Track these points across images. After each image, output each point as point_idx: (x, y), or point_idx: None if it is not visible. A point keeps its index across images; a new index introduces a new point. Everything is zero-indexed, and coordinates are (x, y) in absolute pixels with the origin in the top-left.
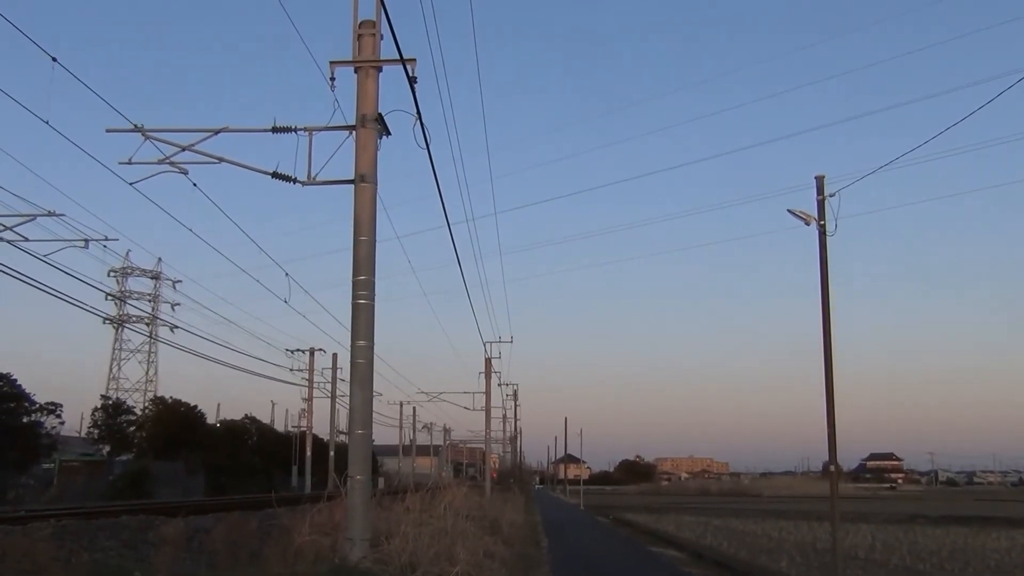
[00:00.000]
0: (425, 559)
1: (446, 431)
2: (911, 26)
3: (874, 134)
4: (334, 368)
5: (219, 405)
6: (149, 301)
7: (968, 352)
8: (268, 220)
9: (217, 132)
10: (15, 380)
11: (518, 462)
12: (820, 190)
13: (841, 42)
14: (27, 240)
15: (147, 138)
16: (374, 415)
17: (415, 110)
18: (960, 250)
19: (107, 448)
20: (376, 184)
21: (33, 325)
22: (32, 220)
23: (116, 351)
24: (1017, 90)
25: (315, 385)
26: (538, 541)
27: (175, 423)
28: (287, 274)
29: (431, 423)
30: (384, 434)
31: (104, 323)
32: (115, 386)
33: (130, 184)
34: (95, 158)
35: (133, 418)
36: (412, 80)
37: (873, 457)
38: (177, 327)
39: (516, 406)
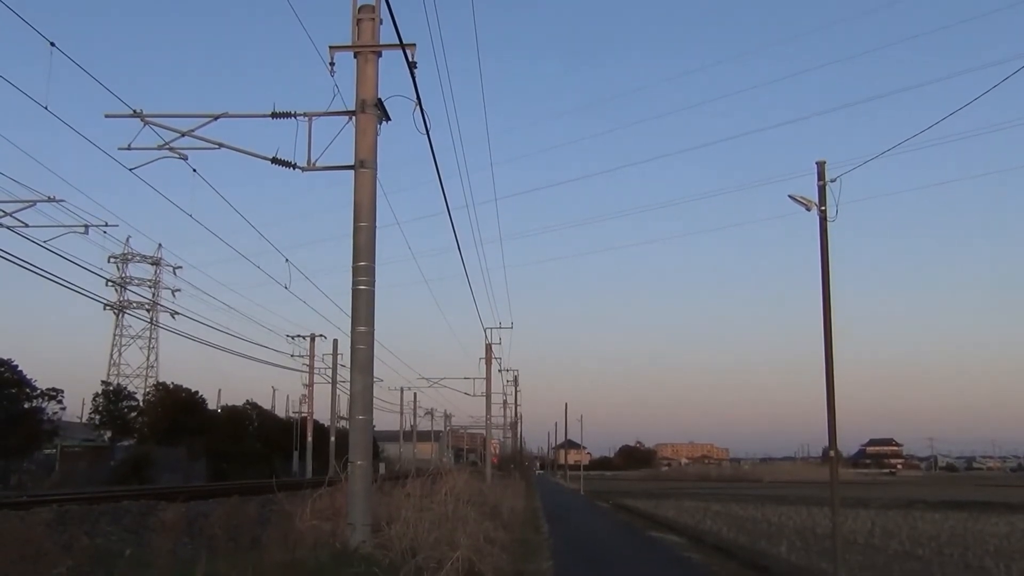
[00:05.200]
0: (426, 544)
1: (447, 417)
2: (915, 11)
3: (876, 120)
4: (335, 354)
5: (220, 391)
6: (149, 287)
7: (968, 338)
8: (268, 206)
9: (217, 118)
10: (16, 366)
11: (519, 448)
12: (821, 175)
13: (844, 27)
14: (27, 226)
15: (146, 124)
16: (375, 401)
17: (415, 95)
18: (960, 236)
19: (108, 434)
20: (376, 170)
21: (33, 311)
22: (32, 206)
23: (117, 337)
24: (1020, 76)
25: (316, 371)
26: (538, 526)
27: (176, 409)
28: (287, 260)
29: (432, 409)
30: (385, 420)
31: (105, 309)
32: (116, 372)
33: (130, 170)
34: (94, 143)
35: (134, 404)
36: (412, 65)
37: (873, 443)
38: (178, 313)
39: (516, 392)
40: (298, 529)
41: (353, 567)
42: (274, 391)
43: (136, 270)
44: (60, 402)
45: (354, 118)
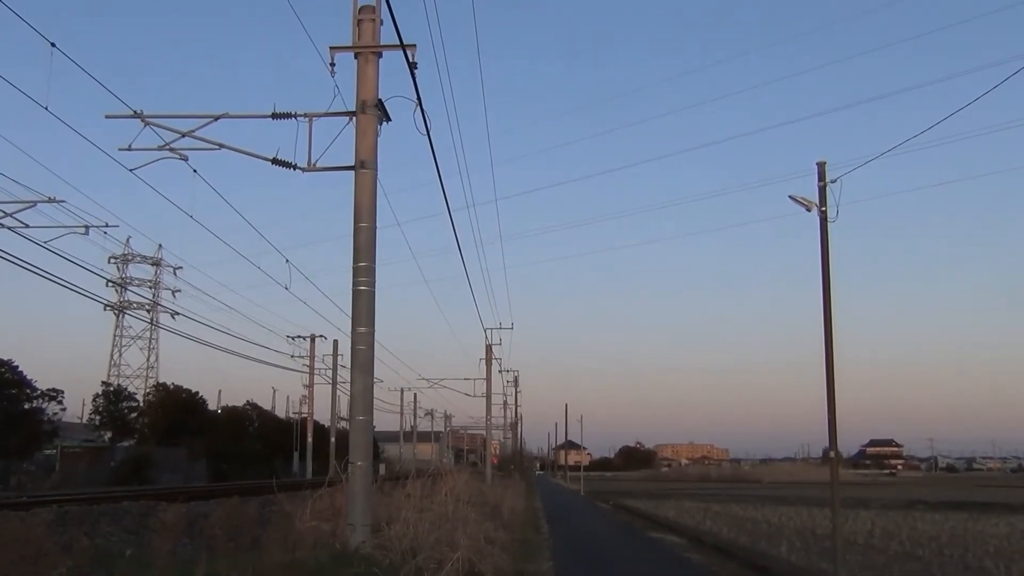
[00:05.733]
0: (426, 544)
1: (447, 417)
2: (915, 12)
3: (877, 120)
4: (335, 354)
5: (220, 391)
6: (150, 287)
7: (968, 338)
8: (268, 207)
9: (217, 118)
10: (16, 366)
11: (519, 448)
12: (821, 176)
13: (844, 27)
14: (27, 226)
15: (147, 124)
16: (375, 401)
17: (415, 96)
18: (960, 236)
19: (108, 434)
20: (376, 170)
21: (34, 311)
22: (32, 206)
23: (117, 337)
24: (1020, 76)
25: (316, 371)
26: (539, 527)
27: (177, 409)
28: (287, 260)
29: (432, 409)
30: (385, 420)
31: (105, 309)
32: (116, 372)
33: (130, 170)
34: (95, 144)
35: (134, 404)
36: (412, 66)
37: (873, 443)
38: (178, 314)
39: (517, 392)
40: (298, 530)
41: (353, 567)
42: (274, 392)
43: (136, 271)
44: (60, 403)
45: (354, 119)
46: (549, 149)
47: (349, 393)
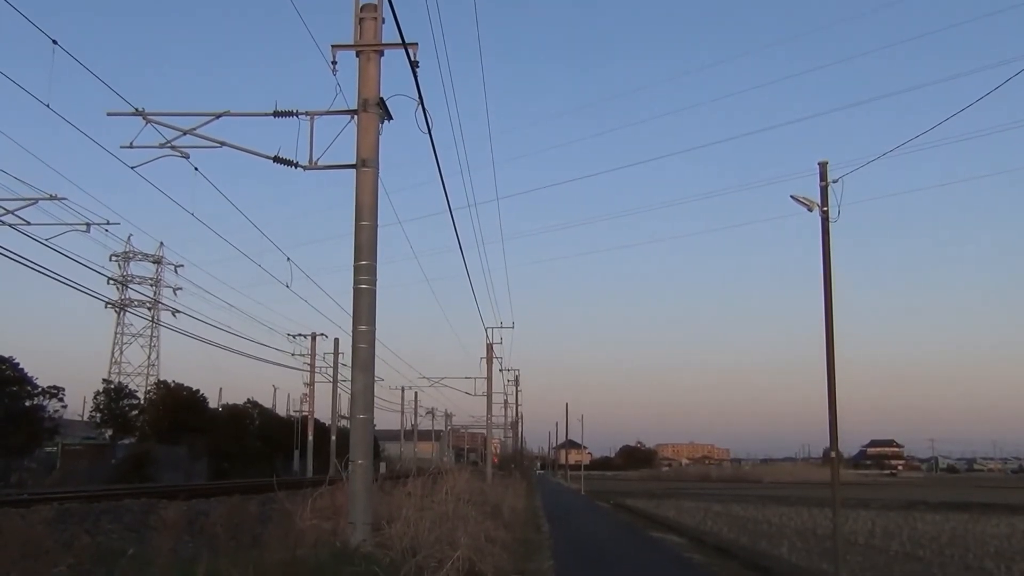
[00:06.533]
0: (426, 543)
1: (448, 416)
2: (916, 11)
3: (880, 120)
4: (336, 353)
5: (221, 390)
6: (151, 285)
7: (968, 338)
8: (270, 205)
9: (219, 116)
10: (17, 364)
11: (519, 447)
12: (823, 176)
13: (845, 27)
14: (29, 224)
15: (148, 122)
16: (376, 400)
17: (417, 95)
18: (960, 236)
19: (109, 432)
20: (378, 169)
21: (35, 309)
22: (34, 204)
23: (118, 335)
24: (1021, 77)
25: (317, 370)
26: (539, 526)
27: (177, 407)
28: (288, 259)
29: (433, 408)
30: (386, 419)
31: (106, 307)
32: (117, 370)
33: (131, 168)
34: (96, 142)
35: (135, 402)
36: (414, 64)
37: (874, 444)
38: (179, 312)
39: (517, 392)
40: (299, 528)
41: (353, 566)
42: (275, 390)
43: (137, 268)
44: (61, 400)
45: (356, 117)
46: (549, 149)
47: (350, 391)
